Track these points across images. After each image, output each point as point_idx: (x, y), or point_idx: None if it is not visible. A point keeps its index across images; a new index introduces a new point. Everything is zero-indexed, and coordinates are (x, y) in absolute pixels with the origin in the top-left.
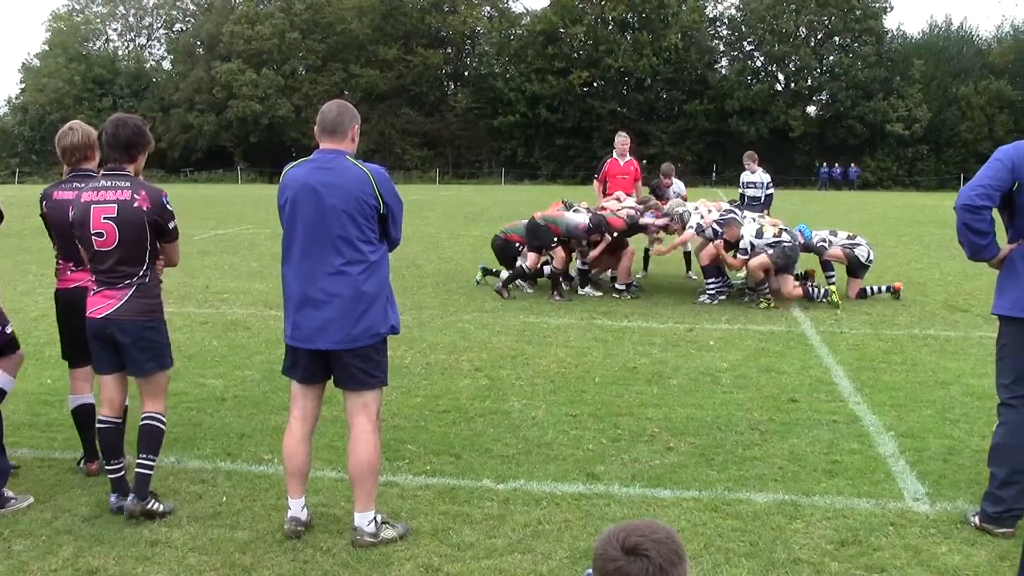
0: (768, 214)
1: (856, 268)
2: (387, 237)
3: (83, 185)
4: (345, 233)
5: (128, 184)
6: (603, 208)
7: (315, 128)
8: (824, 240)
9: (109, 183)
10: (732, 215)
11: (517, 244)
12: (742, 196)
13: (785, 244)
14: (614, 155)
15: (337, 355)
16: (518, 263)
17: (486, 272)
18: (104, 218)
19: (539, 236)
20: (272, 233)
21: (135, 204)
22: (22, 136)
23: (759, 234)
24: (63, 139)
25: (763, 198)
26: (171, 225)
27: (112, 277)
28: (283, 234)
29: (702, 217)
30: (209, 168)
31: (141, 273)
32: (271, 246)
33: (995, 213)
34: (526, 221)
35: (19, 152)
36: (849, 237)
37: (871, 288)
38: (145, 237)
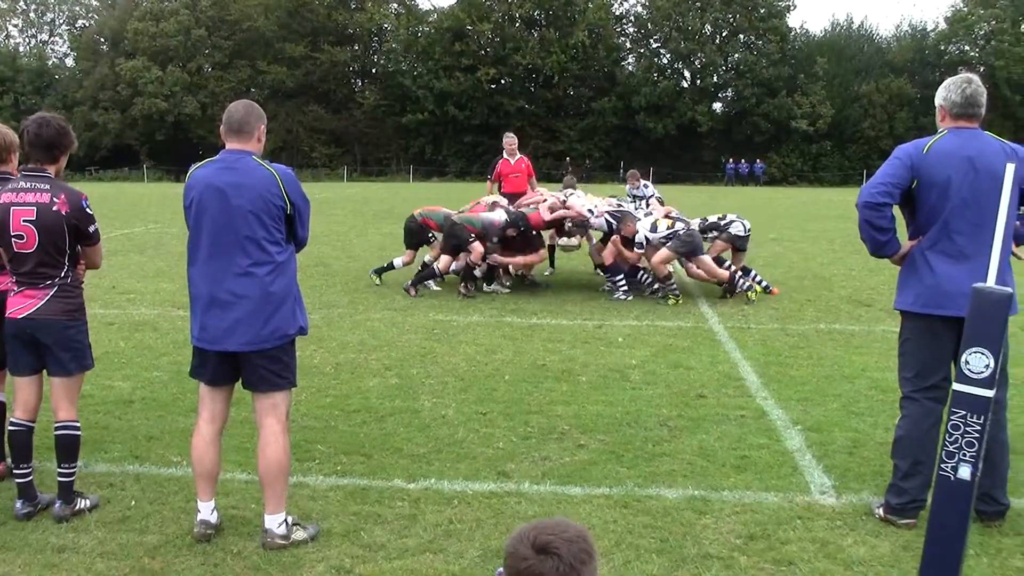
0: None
1: (739, 245)
2: (294, 237)
3: (1, 187)
4: (252, 233)
5: (48, 187)
6: (525, 204)
7: (221, 128)
8: (703, 231)
9: (29, 184)
10: (626, 211)
11: (431, 233)
12: None
13: (680, 232)
14: (504, 155)
15: (245, 356)
16: (429, 261)
17: (379, 272)
18: (23, 220)
19: (456, 235)
20: (179, 232)
21: (54, 208)
22: None
23: (653, 228)
24: None
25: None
26: (91, 229)
27: (33, 278)
28: (189, 235)
29: (595, 206)
30: (115, 166)
31: (63, 274)
32: (177, 245)
33: (896, 210)
34: (446, 211)
35: None
36: (720, 218)
37: (752, 278)
38: (64, 240)
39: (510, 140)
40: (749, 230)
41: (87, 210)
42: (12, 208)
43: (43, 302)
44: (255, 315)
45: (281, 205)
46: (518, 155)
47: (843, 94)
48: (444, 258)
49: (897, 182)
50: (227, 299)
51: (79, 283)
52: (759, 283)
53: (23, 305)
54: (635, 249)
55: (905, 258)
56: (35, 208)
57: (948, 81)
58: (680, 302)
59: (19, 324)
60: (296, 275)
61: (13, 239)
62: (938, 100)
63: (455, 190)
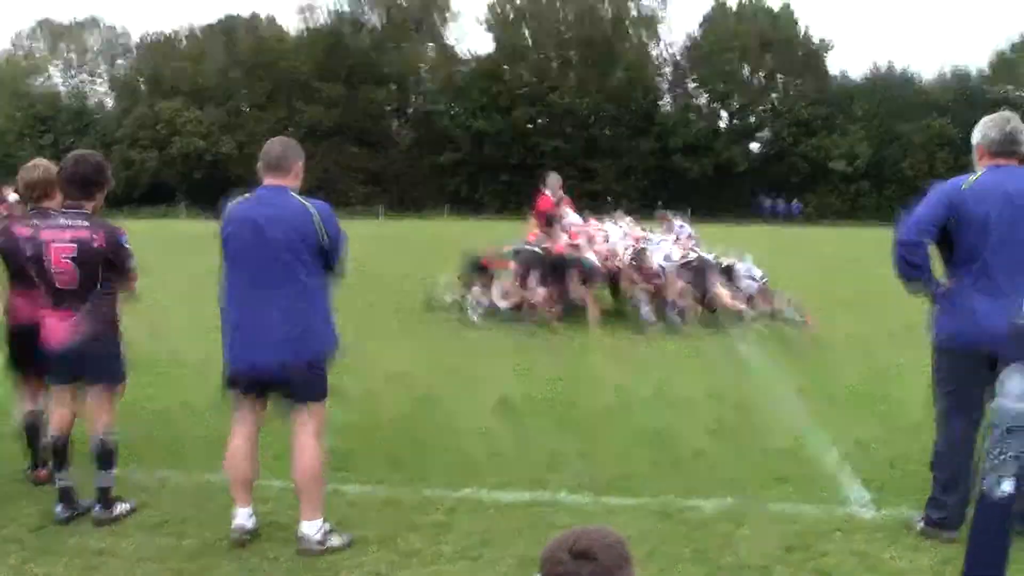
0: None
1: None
2: (330, 269)
3: (38, 223)
4: (287, 265)
5: (86, 223)
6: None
7: (259, 164)
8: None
9: (68, 221)
10: (643, 248)
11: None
12: None
13: (692, 262)
14: (547, 192)
15: (279, 375)
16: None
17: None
18: (64, 257)
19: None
20: (213, 265)
21: (94, 244)
22: None
23: (667, 258)
24: (26, 175)
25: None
26: (129, 263)
27: (70, 304)
28: (224, 266)
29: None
30: (152, 203)
31: (97, 288)
32: (211, 276)
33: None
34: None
35: None
36: (728, 265)
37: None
38: (99, 272)
39: (554, 179)
40: (763, 278)
41: (125, 245)
42: (52, 245)
43: (79, 323)
44: (289, 343)
45: (316, 238)
46: (562, 195)
47: (882, 134)
48: (541, 291)
49: (934, 219)
50: (262, 326)
51: (115, 297)
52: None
53: (59, 328)
54: (654, 281)
55: (941, 296)
56: (76, 245)
57: (985, 119)
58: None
59: (58, 346)
60: (330, 301)
61: (55, 275)
62: (975, 139)
63: (493, 229)
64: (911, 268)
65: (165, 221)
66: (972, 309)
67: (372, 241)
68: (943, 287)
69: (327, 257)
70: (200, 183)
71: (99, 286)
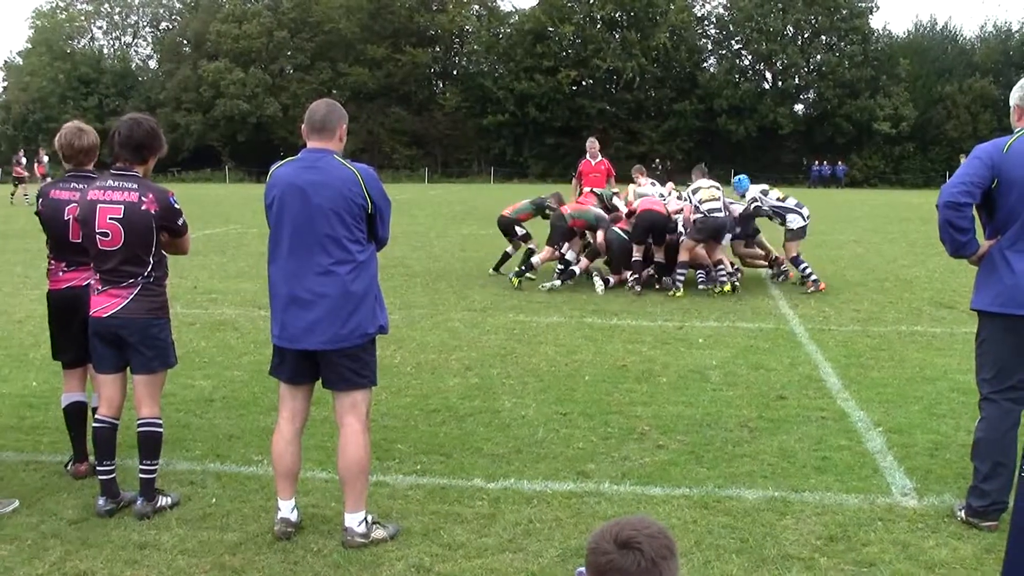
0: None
1: (788, 234)
2: (375, 237)
3: (84, 186)
4: (333, 232)
5: (136, 186)
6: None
7: (302, 126)
8: (756, 199)
9: (116, 183)
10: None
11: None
12: None
13: (697, 221)
14: (587, 156)
15: (325, 355)
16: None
17: (520, 274)
18: (110, 218)
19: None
20: (259, 233)
21: (143, 207)
22: (4, 135)
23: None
24: (77, 140)
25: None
26: (179, 222)
27: (117, 276)
28: (270, 233)
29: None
30: (196, 167)
31: (146, 273)
32: (258, 245)
33: (974, 210)
34: (596, 211)
35: (1, 151)
36: (780, 199)
37: (804, 271)
38: (152, 239)
39: (592, 143)
40: (808, 218)
41: (175, 206)
42: (99, 205)
43: (127, 301)
44: (335, 314)
45: (362, 204)
46: (599, 157)
47: (926, 95)
48: (546, 249)
49: (978, 181)
50: (308, 298)
51: (163, 280)
52: (806, 274)
53: (107, 304)
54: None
55: (983, 258)
56: (123, 207)
57: None
58: (729, 289)
59: (103, 322)
60: (377, 274)
61: (98, 236)
62: (1014, 100)
63: (537, 191)
64: (956, 231)
65: (210, 185)
66: (1014, 271)
67: (425, 205)
68: (984, 249)
69: (372, 224)
70: (244, 146)
71: (151, 258)
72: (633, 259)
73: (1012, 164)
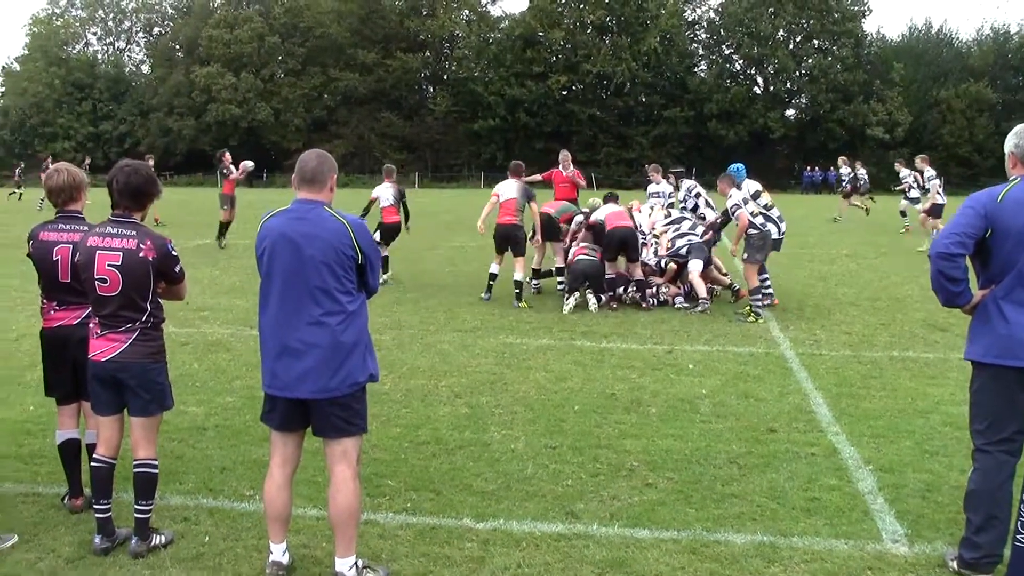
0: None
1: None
2: (365, 286)
3: (71, 226)
4: (323, 284)
5: (134, 232)
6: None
7: (293, 177)
8: (738, 204)
9: (115, 230)
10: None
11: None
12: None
13: (679, 244)
14: (559, 167)
15: (316, 404)
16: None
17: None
18: (108, 265)
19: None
20: (250, 245)
21: (141, 254)
22: (2, 140)
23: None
24: (49, 180)
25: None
26: (177, 269)
27: (115, 321)
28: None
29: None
30: (189, 172)
31: (144, 318)
32: (250, 259)
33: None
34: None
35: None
36: (766, 207)
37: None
38: (149, 285)
39: (565, 155)
40: (783, 232)
41: (173, 253)
42: (98, 252)
43: (125, 345)
44: (326, 364)
45: (352, 255)
46: (571, 168)
47: (920, 100)
48: (536, 250)
49: (971, 232)
50: (298, 347)
51: (160, 326)
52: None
53: (105, 348)
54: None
55: (977, 308)
56: (121, 254)
57: (1020, 127)
58: (703, 311)
59: (102, 366)
60: (367, 323)
61: (97, 282)
62: (1008, 147)
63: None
64: (949, 282)
65: (202, 189)
66: (1008, 321)
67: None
68: (978, 299)
69: (363, 275)
70: (236, 150)
71: (148, 305)
72: (607, 276)
73: (1007, 214)
